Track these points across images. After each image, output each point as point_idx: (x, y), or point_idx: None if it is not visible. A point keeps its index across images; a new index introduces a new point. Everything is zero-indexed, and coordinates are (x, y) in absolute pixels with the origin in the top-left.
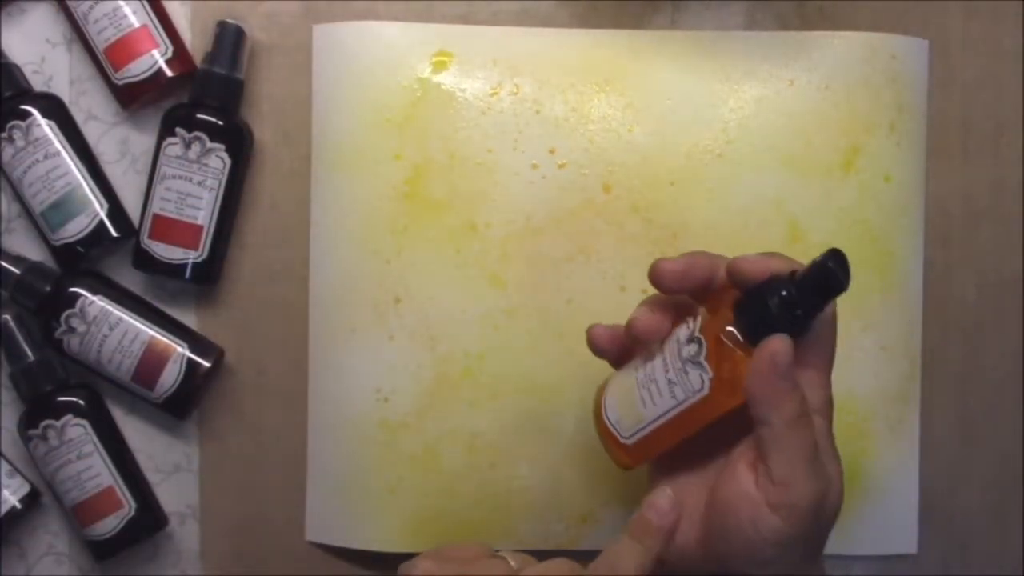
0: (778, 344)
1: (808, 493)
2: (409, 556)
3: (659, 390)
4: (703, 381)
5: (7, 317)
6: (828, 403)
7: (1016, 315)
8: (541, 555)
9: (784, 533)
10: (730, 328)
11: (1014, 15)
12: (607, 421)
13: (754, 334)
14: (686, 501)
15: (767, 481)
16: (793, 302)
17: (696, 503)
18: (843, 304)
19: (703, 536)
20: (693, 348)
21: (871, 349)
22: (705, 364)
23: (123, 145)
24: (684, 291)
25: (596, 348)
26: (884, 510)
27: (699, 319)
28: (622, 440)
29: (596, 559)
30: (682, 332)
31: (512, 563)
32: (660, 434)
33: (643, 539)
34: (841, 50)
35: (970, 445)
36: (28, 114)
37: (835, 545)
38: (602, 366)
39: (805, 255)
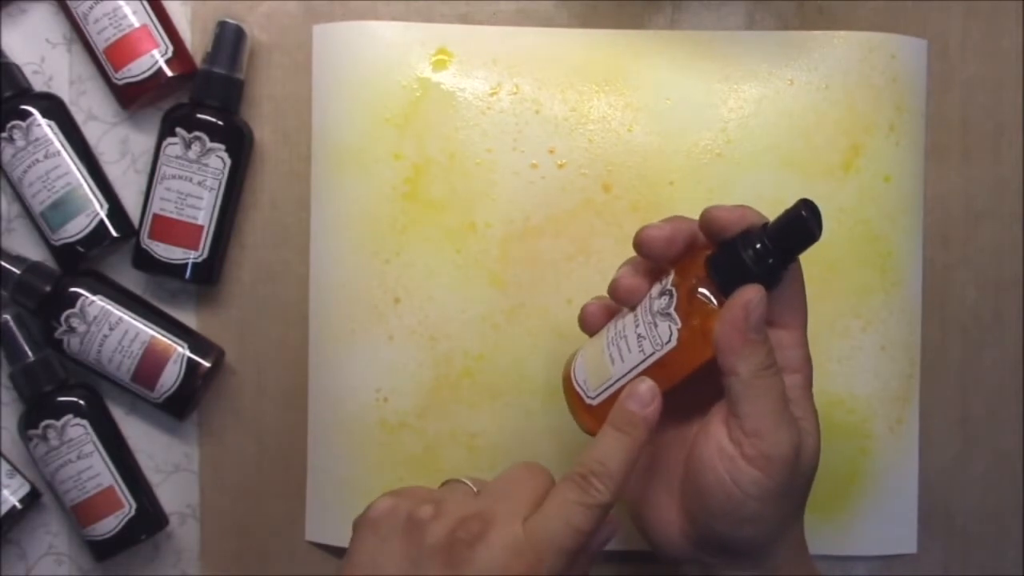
0: (752, 293)
1: (781, 442)
2: None
3: (628, 346)
4: (671, 332)
5: (7, 317)
6: (806, 361)
7: (1016, 315)
8: None
9: (763, 485)
10: (702, 279)
11: (1014, 15)
12: (575, 382)
13: (726, 285)
14: (666, 469)
15: (740, 433)
16: (766, 252)
17: (675, 471)
18: (843, 304)
19: (684, 501)
20: (664, 300)
21: (871, 349)
22: (675, 315)
23: (123, 145)
24: (670, 257)
25: (591, 326)
26: (884, 510)
27: (672, 274)
28: (587, 401)
29: (581, 456)
30: (655, 288)
31: (471, 485)
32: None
33: (628, 430)
34: (841, 50)
35: (970, 445)
36: (28, 114)
37: (835, 545)
38: None
39: (805, 255)
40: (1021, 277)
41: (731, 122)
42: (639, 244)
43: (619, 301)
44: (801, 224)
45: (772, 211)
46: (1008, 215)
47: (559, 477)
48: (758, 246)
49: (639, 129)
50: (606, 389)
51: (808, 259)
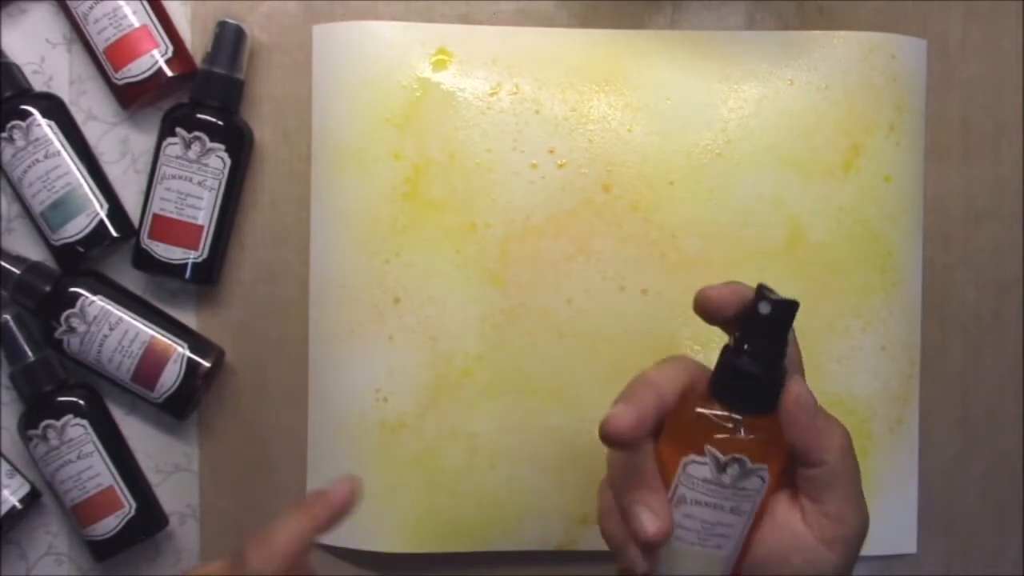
0: (795, 388)
1: (860, 522)
2: (408, 556)
3: (726, 522)
4: (762, 479)
5: (7, 317)
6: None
7: (1016, 315)
8: (541, 555)
9: (840, 567)
10: (735, 419)
11: (1014, 15)
12: None
13: (762, 403)
14: None
15: (819, 517)
16: (765, 350)
17: None
18: (843, 304)
19: None
20: (735, 469)
21: (871, 349)
22: (754, 465)
23: (123, 145)
24: (642, 439)
25: (618, 437)
26: (884, 510)
27: (708, 448)
28: None
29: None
30: (702, 472)
31: None
32: (746, 544)
33: (310, 510)
34: (841, 50)
35: (970, 445)
36: (28, 114)
37: None
38: (604, 373)
39: (805, 255)
40: (1021, 277)
41: (731, 122)
42: (606, 438)
43: (615, 443)
44: (783, 308)
45: (772, 211)
46: (1008, 215)
47: (558, 479)
48: (752, 351)
49: (639, 129)
50: (733, 562)
51: (808, 259)
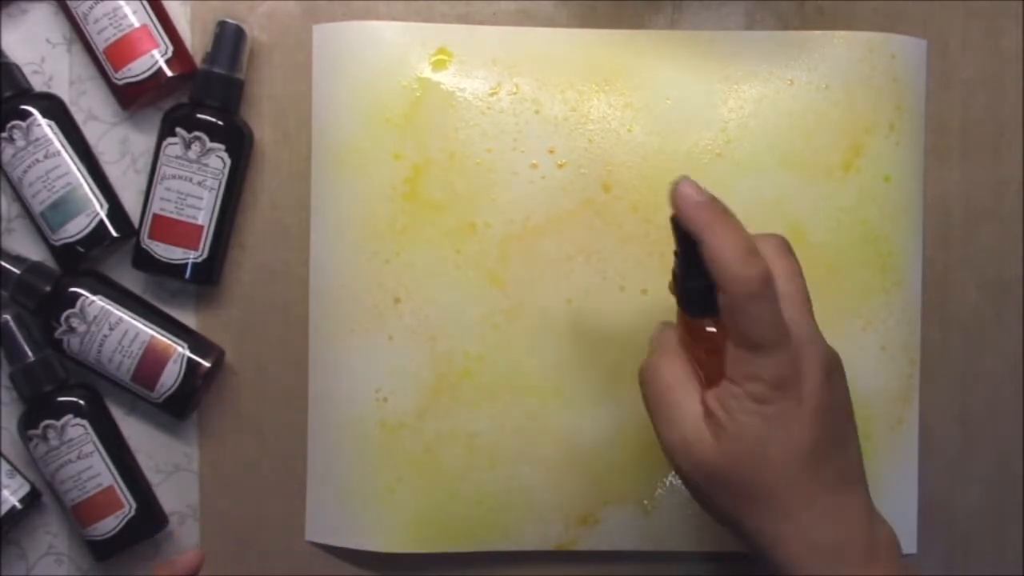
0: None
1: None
2: (408, 556)
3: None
4: None
5: (7, 317)
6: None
7: (1016, 315)
8: (541, 555)
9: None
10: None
11: (1014, 15)
12: None
13: (703, 307)
14: None
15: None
16: (689, 260)
17: None
18: (843, 304)
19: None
20: None
21: (871, 349)
22: None
23: (123, 145)
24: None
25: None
26: (884, 510)
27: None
28: None
29: None
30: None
31: None
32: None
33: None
34: (841, 50)
35: (970, 445)
36: (28, 114)
37: None
38: (604, 373)
39: (805, 255)
40: (1021, 277)
41: (731, 122)
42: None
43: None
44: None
45: (772, 211)
46: (1008, 215)
47: (558, 479)
48: (683, 263)
49: (639, 129)
50: None
51: (809, 260)
